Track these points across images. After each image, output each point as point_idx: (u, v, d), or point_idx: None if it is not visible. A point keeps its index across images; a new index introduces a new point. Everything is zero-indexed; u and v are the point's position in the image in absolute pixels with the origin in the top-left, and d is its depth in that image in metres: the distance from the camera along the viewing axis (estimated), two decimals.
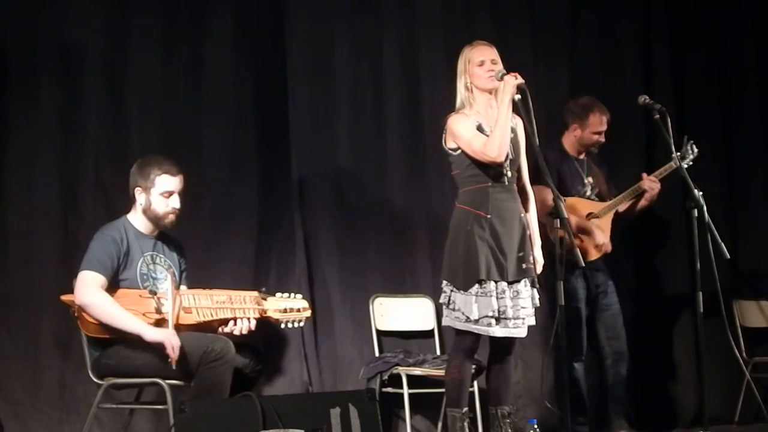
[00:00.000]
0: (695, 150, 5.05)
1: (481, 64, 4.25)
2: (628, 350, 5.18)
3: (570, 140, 5.20)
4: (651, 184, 5.09)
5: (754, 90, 6.08)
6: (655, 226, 5.81)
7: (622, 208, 5.17)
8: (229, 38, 5.28)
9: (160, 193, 4.20)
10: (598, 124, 5.13)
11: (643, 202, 5.15)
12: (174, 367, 3.93)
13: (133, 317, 4.02)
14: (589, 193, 5.16)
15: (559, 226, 4.07)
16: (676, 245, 5.70)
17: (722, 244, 4.33)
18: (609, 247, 5.06)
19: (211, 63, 5.24)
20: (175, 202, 4.24)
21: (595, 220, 5.08)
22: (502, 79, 4.19)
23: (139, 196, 4.23)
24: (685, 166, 4.90)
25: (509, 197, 4.22)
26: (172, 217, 4.24)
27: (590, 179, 5.18)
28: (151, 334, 3.97)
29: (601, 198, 5.18)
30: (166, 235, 4.33)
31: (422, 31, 5.56)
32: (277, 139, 5.31)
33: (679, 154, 4.88)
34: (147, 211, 4.22)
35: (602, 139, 5.17)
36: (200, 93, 5.22)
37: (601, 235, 5.03)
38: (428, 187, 5.44)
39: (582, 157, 5.22)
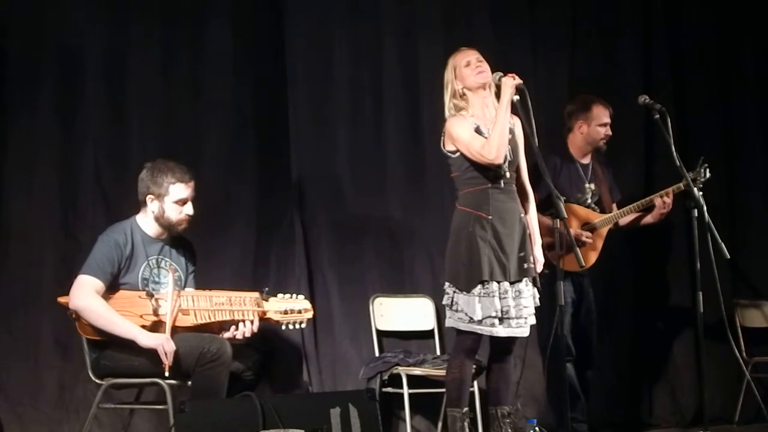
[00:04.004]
0: (707, 173, 4.87)
1: (468, 64, 4.27)
2: (595, 357, 5.12)
3: (576, 141, 5.10)
4: (663, 200, 4.94)
5: (754, 89, 6.08)
6: (655, 226, 5.80)
7: (624, 221, 5.08)
8: (229, 41, 5.28)
9: (174, 202, 4.19)
10: (602, 115, 5.04)
11: (648, 219, 5.03)
12: (167, 373, 3.93)
13: (126, 322, 4.01)
14: (589, 200, 5.06)
15: (558, 226, 4.09)
16: (676, 245, 5.69)
17: (722, 244, 4.33)
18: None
19: (210, 66, 5.24)
20: (189, 209, 4.22)
21: (591, 233, 4.97)
22: (500, 81, 4.20)
23: (152, 204, 4.20)
24: (697, 187, 4.80)
25: (508, 198, 4.22)
26: (185, 224, 4.24)
27: (592, 185, 5.07)
28: (145, 339, 3.97)
29: (601, 206, 5.08)
30: (176, 237, 4.30)
31: (422, 34, 5.56)
32: (277, 141, 5.31)
33: (691, 174, 4.79)
34: (160, 219, 4.20)
35: (609, 132, 5.07)
36: (200, 95, 5.23)
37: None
38: (427, 188, 5.43)
39: (587, 161, 5.13)
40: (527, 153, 4.35)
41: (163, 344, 3.94)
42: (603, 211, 5.07)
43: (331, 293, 5.29)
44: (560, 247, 4.16)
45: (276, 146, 5.30)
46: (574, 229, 4.86)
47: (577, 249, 4.14)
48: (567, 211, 4.60)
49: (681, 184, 4.82)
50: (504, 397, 4.28)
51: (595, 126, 5.06)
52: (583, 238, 4.89)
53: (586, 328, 5.06)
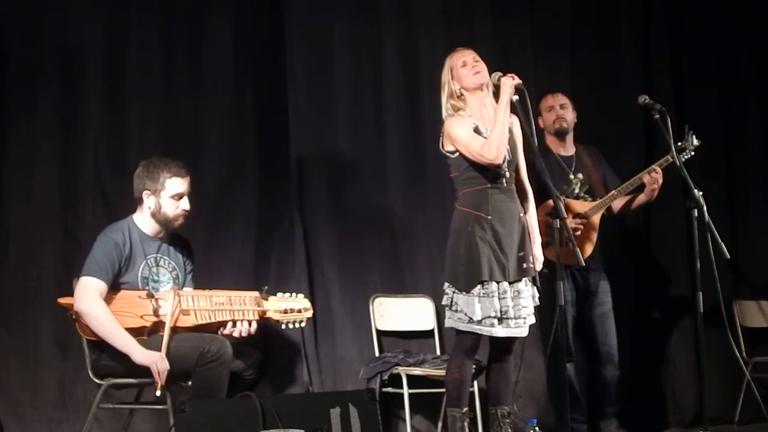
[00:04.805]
0: (695, 141, 4.89)
1: (464, 65, 4.28)
2: (618, 352, 5.08)
3: (548, 137, 5.15)
4: (652, 176, 4.89)
5: (754, 90, 6.07)
6: (655, 226, 5.81)
7: (617, 205, 5.05)
8: (229, 39, 5.29)
9: (170, 196, 4.19)
10: (544, 102, 5.14)
11: (642, 197, 4.99)
12: (158, 393, 3.93)
13: (125, 335, 4.00)
14: (577, 191, 5.02)
15: (558, 226, 4.09)
16: (676, 245, 5.69)
17: (722, 244, 4.33)
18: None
19: (210, 64, 5.25)
20: (185, 204, 4.23)
21: (582, 221, 4.93)
22: (499, 81, 4.20)
23: (148, 200, 4.20)
24: (688, 156, 4.84)
25: (507, 198, 4.22)
26: (182, 219, 4.24)
27: (579, 175, 5.05)
28: (140, 356, 3.96)
29: (593, 195, 5.04)
30: (173, 235, 4.31)
31: (422, 33, 5.56)
32: (277, 140, 5.31)
33: (679, 144, 4.82)
34: (156, 215, 4.20)
35: (559, 112, 5.09)
36: (200, 94, 5.23)
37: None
38: (428, 188, 5.43)
39: (569, 152, 5.12)
40: (526, 152, 4.35)
41: (157, 363, 3.93)
42: (595, 200, 5.03)
43: (331, 293, 5.29)
44: (559, 245, 4.15)
45: (276, 145, 5.30)
46: (569, 219, 4.84)
47: (577, 248, 4.13)
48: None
49: (668, 156, 4.79)
50: (504, 397, 4.28)
51: (545, 115, 5.14)
52: (573, 225, 4.84)
53: (595, 325, 5.05)
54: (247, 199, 5.25)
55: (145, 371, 4.01)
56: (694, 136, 4.90)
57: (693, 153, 4.92)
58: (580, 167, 5.09)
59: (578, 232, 4.87)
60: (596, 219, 4.98)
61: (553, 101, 5.14)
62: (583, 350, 5.13)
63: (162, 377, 3.91)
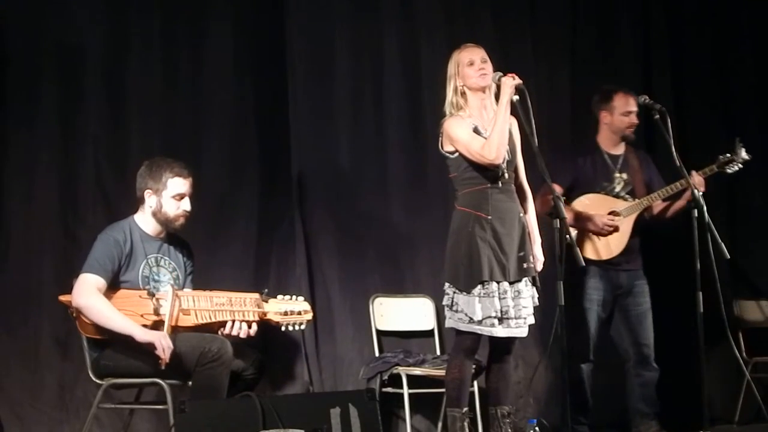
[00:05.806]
0: (744, 154, 4.91)
1: (471, 64, 4.26)
2: (653, 352, 5.07)
3: (604, 133, 5.08)
4: (698, 179, 4.82)
5: (754, 90, 6.08)
6: (655, 226, 5.80)
7: (657, 209, 5.05)
8: (230, 39, 5.29)
9: (172, 196, 4.21)
10: (624, 104, 5.01)
11: (680, 203, 4.95)
12: (162, 368, 3.93)
13: (124, 318, 4.01)
14: (618, 189, 5.00)
15: (558, 226, 4.09)
16: (677, 245, 5.68)
17: (722, 244, 4.34)
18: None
19: (211, 64, 5.24)
20: (186, 204, 4.24)
21: (616, 219, 4.92)
22: (499, 81, 4.20)
23: (149, 199, 4.22)
24: (735, 169, 4.92)
25: (507, 198, 4.23)
26: (182, 219, 4.25)
27: (623, 175, 5.02)
28: (142, 335, 3.97)
29: (634, 197, 5.02)
30: (174, 236, 4.33)
31: (423, 32, 5.56)
32: (277, 140, 5.31)
33: (728, 155, 4.87)
34: (157, 214, 4.22)
35: (634, 120, 5.03)
36: (200, 94, 5.23)
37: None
38: (428, 188, 5.43)
39: (619, 151, 5.08)
40: (526, 153, 4.36)
41: (161, 339, 3.94)
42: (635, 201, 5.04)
43: (331, 293, 5.29)
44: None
45: (277, 146, 5.31)
46: (602, 214, 4.89)
47: (577, 249, 4.14)
48: (593, 199, 4.83)
49: (714, 166, 4.88)
50: (504, 397, 4.28)
51: (618, 115, 5.04)
52: (605, 221, 4.87)
53: (632, 325, 5.04)
54: (248, 199, 5.25)
55: (145, 371, 4.03)
56: (743, 149, 4.91)
57: (741, 166, 4.93)
58: (626, 168, 5.06)
59: (610, 228, 4.89)
60: (631, 219, 4.97)
61: (634, 107, 5.02)
62: (616, 351, 5.13)
63: (166, 353, 3.92)
